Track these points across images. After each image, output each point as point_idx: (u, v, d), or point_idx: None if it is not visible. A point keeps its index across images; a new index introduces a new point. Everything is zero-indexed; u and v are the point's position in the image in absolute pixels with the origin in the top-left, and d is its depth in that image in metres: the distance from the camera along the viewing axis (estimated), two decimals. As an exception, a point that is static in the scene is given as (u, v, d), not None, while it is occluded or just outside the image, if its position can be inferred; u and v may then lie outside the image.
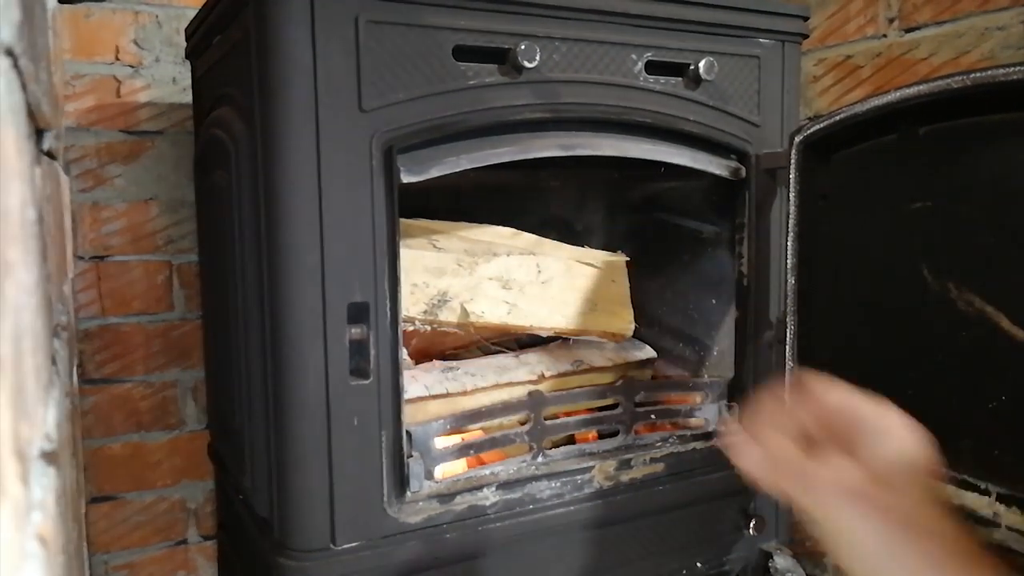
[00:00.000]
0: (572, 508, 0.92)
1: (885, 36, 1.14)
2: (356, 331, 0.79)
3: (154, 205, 1.32)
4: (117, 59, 1.28)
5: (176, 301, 1.34)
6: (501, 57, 0.85)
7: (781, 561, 0.99)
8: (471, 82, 0.83)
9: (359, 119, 0.78)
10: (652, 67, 0.93)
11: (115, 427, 1.32)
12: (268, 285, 0.79)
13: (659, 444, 0.99)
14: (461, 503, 0.85)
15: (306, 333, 0.78)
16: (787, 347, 0.92)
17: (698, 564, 1.03)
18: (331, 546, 0.81)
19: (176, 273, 1.34)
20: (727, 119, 0.98)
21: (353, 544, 0.82)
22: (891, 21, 1.13)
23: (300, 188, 0.77)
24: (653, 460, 0.98)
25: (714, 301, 1.07)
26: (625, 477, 0.96)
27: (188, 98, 1.25)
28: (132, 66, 1.29)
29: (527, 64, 0.84)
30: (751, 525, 1.02)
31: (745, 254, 1.00)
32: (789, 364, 0.92)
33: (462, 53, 0.83)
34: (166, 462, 1.36)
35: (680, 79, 0.95)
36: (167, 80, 1.31)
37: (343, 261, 0.79)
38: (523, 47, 0.83)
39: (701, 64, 0.94)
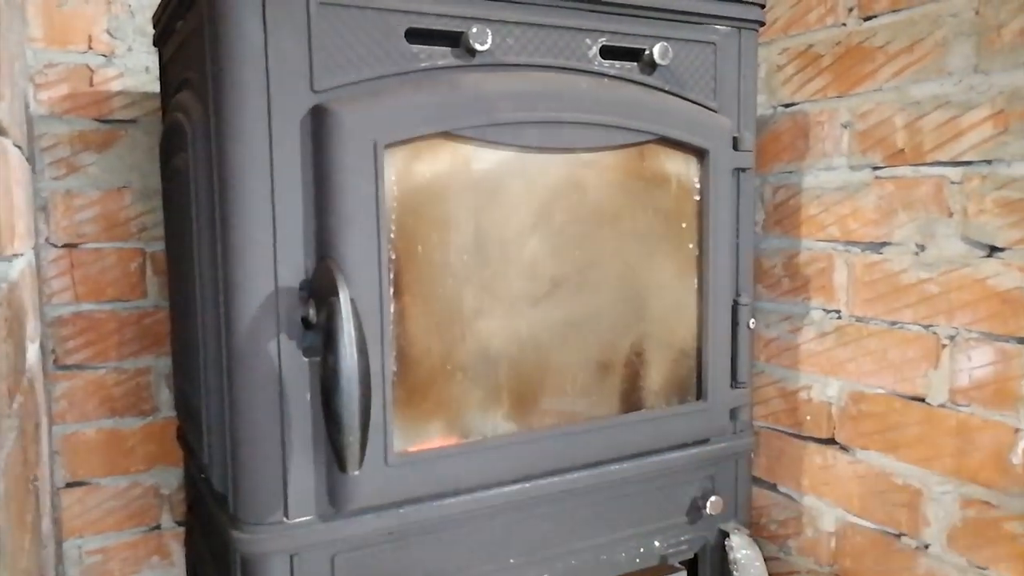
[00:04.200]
0: (527, 484, 0.93)
1: (845, 25, 1.15)
2: (309, 309, 0.80)
3: (127, 193, 1.33)
4: (90, 48, 1.29)
5: (149, 288, 1.36)
6: (454, 40, 0.86)
7: (737, 539, 1.01)
8: (423, 64, 0.85)
9: (311, 99, 0.80)
10: (607, 52, 0.95)
11: (88, 413, 1.33)
12: (222, 263, 0.80)
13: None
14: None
15: (259, 310, 0.80)
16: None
17: (656, 543, 1.05)
18: (284, 519, 0.82)
19: (149, 261, 1.35)
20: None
21: (306, 518, 0.83)
22: (850, 10, 1.15)
23: (252, 168, 0.78)
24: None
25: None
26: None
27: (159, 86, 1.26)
28: (105, 55, 1.30)
29: (479, 47, 0.85)
30: (708, 504, 1.03)
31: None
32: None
33: (415, 35, 0.84)
34: (140, 448, 1.37)
35: (635, 64, 0.97)
36: (140, 69, 1.32)
37: (296, 239, 0.80)
38: (475, 30, 0.85)
39: (656, 49, 0.96)
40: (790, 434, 1.26)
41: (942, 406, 1.05)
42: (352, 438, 0.72)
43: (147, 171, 1.34)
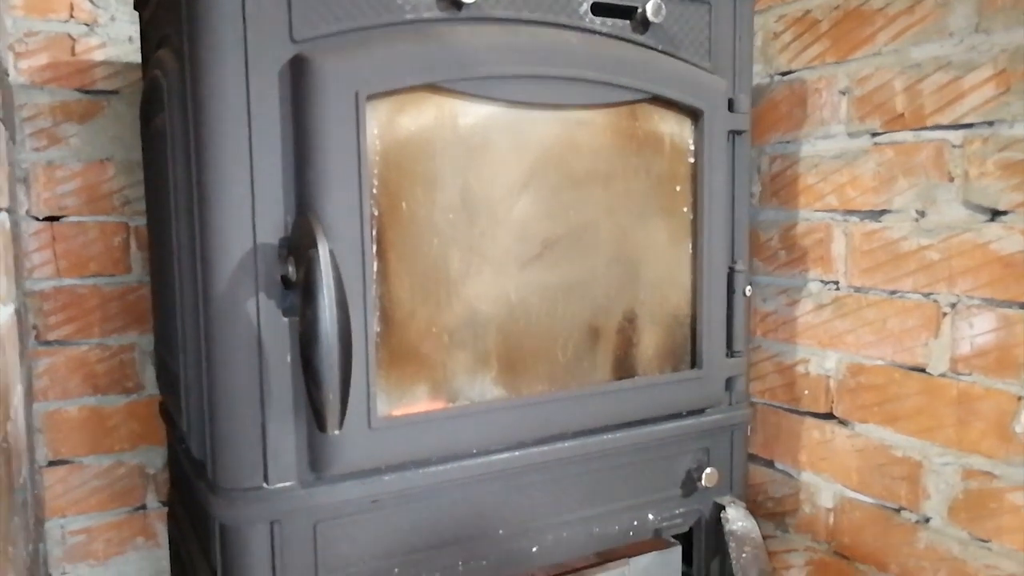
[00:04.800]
0: (516, 452, 0.91)
1: (843, -12, 1.13)
2: (289, 267, 0.77)
3: (110, 166, 1.30)
4: (72, 16, 1.26)
5: (133, 263, 1.33)
6: (440, -9, 0.83)
7: (733, 512, 0.98)
8: (408, 16, 0.82)
9: (291, 49, 0.77)
10: (598, 8, 0.92)
11: (71, 390, 1.31)
12: (199, 221, 0.78)
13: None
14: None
15: (237, 269, 0.77)
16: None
17: (649, 516, 1.02)
18: (264, 485, 0.80)
19: (133, 235, 1.32)
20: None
21: (287, 484, 0.80)
22: (849, -27, 1.12)
23: (229, 121, 0.75)
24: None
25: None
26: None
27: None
28: (87, 24, 1.27)
29: (466, -1, 0.83)
30: (704, 476, 1.01)
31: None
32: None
33: (399, -14, 0.82)
34: (124, 426, 1.35)
35: (627, 22, 0.94)
36: (123, 39, 1.29)
37: (275, 195, 0.77)
38: (461, -19, 0.82)
39: (649, 6, 0.93)
40: (787, 409, 1.23)
41: (943, 376, 1.02)
42: (332, 395, 0.69)
43: (130, 144, 1.31)
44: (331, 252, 0.70)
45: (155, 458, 1.36)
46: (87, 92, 1.28)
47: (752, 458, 1.28)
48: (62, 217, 1.28)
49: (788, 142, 1.21)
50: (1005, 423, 0.96)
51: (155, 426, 1.35)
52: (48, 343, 1.29)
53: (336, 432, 0.71)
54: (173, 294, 0.88)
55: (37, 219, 1.26)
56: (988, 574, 0.98)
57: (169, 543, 1.33)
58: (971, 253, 0.99)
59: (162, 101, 0.87)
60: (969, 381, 0.99)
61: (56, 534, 1.31)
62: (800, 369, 1.21)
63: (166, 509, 1.37)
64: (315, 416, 0.71)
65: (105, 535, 1.35)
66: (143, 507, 1.37)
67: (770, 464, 1.27)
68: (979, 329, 0.98)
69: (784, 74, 1.21)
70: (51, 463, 1.30)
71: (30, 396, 1.23)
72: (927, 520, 1.05)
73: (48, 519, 1.31)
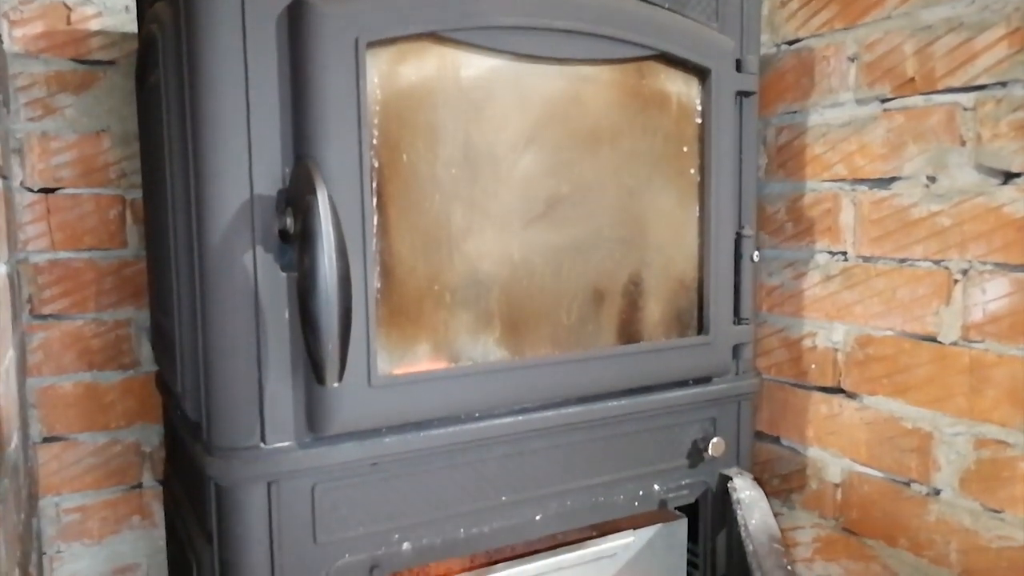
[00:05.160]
0: (520, 417, 0.89)
1: (851, -47, 1.11)
2: (287, 220, 0.75)
3: (106, 137, 1.28)
4: (67, -16, 1.24)
5: (129, 237, 1.31)
6: (442, -57, 0.81)
7: (741, 481, 0.96)
8: (410, -36, 0.80)
9: (290, -8, 0.75)
10: (603, -36, 0.90)
11: (66, 365, 1.28)
12: (194, 172, 0.75)
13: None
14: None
15: (233, 221, 0.75)
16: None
17: (655, 487, 1.00)
18: (260, 445, 0.77)
19: (129, 209, 1.30)
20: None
21: (284, 443, 0.78)
22: (857, -63, 1.10)
23: (225, 69, 0.73)
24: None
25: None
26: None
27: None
28: (83, -8, 1.25)
29: (467, -51, 0.81)
30: (710, 446, 0.99)
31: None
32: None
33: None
34: (120, 403, 1.32)
35: (633, -22, 0.92)
36: (119, 8, 1.27)
37: (273, 145, 0.75)
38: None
39: (655, -39, 0.91)
40: (794, 385, 1.21)
41: (954, 344, 1.00)
42: (331, 346, 0.67)
43: (126, 116, 1.29)
44: (330, 198, 0.68)
45: (151, 436, 1.34)
46: (83, 62, 1.26)
47: (758, 436, 1.26)
48: (57, 189, 1.26)
49: (795, 112, 1.19)
50: (1019, 390, 0.94)
51: (151, 404, 1.33)
52: (43, 317, 1.26)
53: (335, 385, 0.69)
54: (167, 249, 0.86)
55: (32, 190, 1.24)
56: (1000, 544, 0.96)
57: (165, 523, 1.30)
58: (983, 217, 0.97)
59: (157, 56, 0.85)
60: (981, 348, 0.97)
61: (51, 512, 1.29)
62: (807, 343, 1.19)
63: (162, 488, 1.34)
64: (313, 369, 0.69)
65: (100, 514, 1.32)
66: (139, 486, 1.35)
67: (776, 441, 1.25)
68: (992, 295, 0.96)
69: (791, 43, 1.19)
70: (45, 440, 1.28)
71: (23, 368, 1.21)
72: (938, 492, 1.03)
73: (42, 496, 1.28)
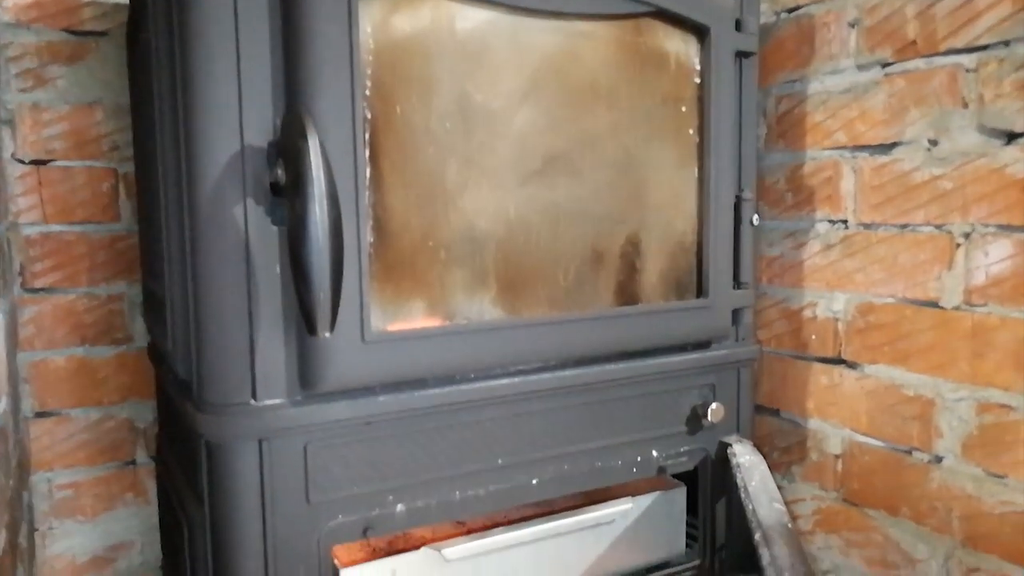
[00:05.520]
0: (516, 379, 0.87)
1: (851, -83, 1.10)
2: (279, 172, 0.74)
3: (98, 109, 1.27)
4: (58, -47, 1.23)
5: (122, 211, 1.29)
6: None
7: (740, 447, 0.94)
8: (403, -84, 0.79)
9: (281, -56, 0.73)
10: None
11: (58, 340, 1.27)
12: (184, 123, 0.74)
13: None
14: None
15: (224, 173, 0.73)
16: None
17: (653, 453, 0.99)
18: (252, 401, 0.76)
19: (122, 182, 1.29)
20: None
21: (276, 401, 0.77)
22: (857, -99, 1.09)
23: (214, 16, 0.72)
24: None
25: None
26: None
27: (130, -9, 1.20)
28: (74, -39, 1.24)
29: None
30: (710, 412, 0.97)
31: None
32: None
33: None
34: (113, 379, 1.31)
35: (631, -64, 0.91)
36: (112, -23, 1.26)
37: (264, 95, 0.74)
38: None
39: (652, -81, 0.90)
40: (793, 356, 1.20)
41: (956, 309, 0.99)
42: (322, 294, 0.65)
43: (119, 88, 1.27)
44: (322, 145, 0.66)
45: (145, 412, 1.33)
46: (75, 33, 1.25)
47: (757, 409, 1.25)
48: (49, 161, 1.24)
49: (795, 81, 1.17)
50: (1022, 352, 0.93)
51: (145, 379, 1.31)
52: (34, 291, 1.25)
53: (327, 335, 0.67)
54: (160, 222, 0.85)
55: (23, 162, 1.23)
56: (1004, 510, 0.95)
57: (158, 499, 1.29)
58: (986, 179, 0.95)
59: (147, 13, 0.83)
60: (984, 312, 0.96)
61: (43, 488, 1.28)
62: (807, 313, 1.18)
63: (155, 464, 1.33)
64: (305, 319, 0.68)
65: (93, 490, 1.31)
66: (132, 462, 1.33)
67: (776, 414, 1.23)
68: (995, 257, 0.95)
69: (791, 11, 1.18)
70: (37, 415, 1.26)
71: (14, 335, 1.19)
72: (939, 459, 1.01)
73: (35, 472, 1.27)
